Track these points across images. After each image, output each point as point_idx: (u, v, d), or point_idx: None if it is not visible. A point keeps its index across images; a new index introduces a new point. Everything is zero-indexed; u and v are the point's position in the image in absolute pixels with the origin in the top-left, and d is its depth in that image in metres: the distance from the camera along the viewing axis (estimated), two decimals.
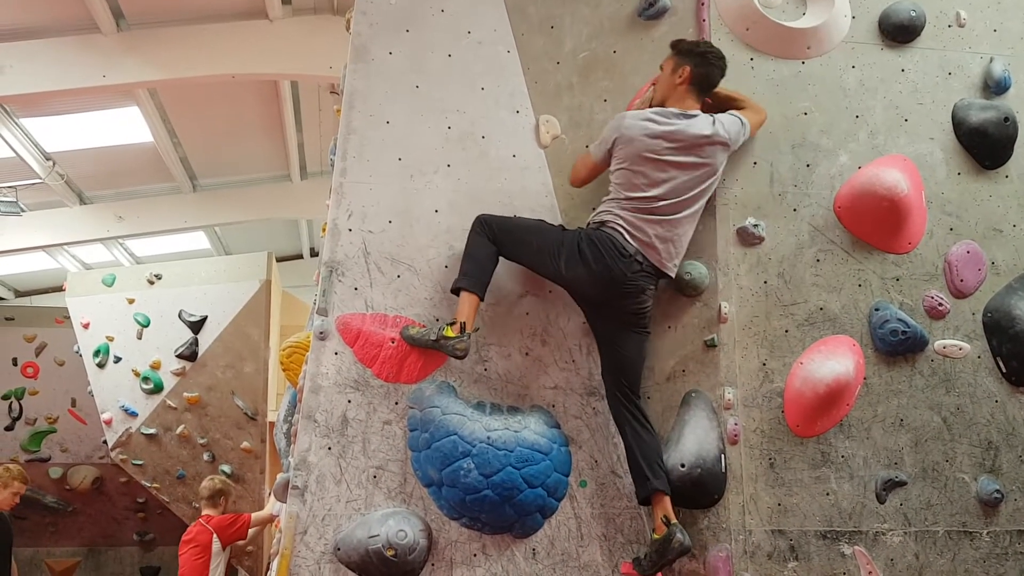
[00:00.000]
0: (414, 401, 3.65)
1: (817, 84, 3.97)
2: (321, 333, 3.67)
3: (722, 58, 3.66)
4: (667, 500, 3.49)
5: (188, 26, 7.36)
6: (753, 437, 3.69)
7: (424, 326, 3.67)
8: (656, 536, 3.46)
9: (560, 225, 3.73)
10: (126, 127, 8.79)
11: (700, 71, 3.61)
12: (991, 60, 4.13)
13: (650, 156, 3.53)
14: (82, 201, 10.68)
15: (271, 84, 8.50)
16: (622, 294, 3.55)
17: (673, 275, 3.64)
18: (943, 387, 3.92)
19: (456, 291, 3.59)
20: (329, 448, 3.59)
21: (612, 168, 3.64)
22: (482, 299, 3.58)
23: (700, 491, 3.60)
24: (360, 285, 3.76)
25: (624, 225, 3.53)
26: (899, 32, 4.04)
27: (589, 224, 3.66)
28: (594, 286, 3.55)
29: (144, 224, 10.93)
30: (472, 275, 3.57)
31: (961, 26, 4.14)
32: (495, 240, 3.62)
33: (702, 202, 3.64)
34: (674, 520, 3.44)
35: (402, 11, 4.04)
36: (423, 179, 3.86)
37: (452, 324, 3.52)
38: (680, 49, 3.66)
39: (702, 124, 3.57)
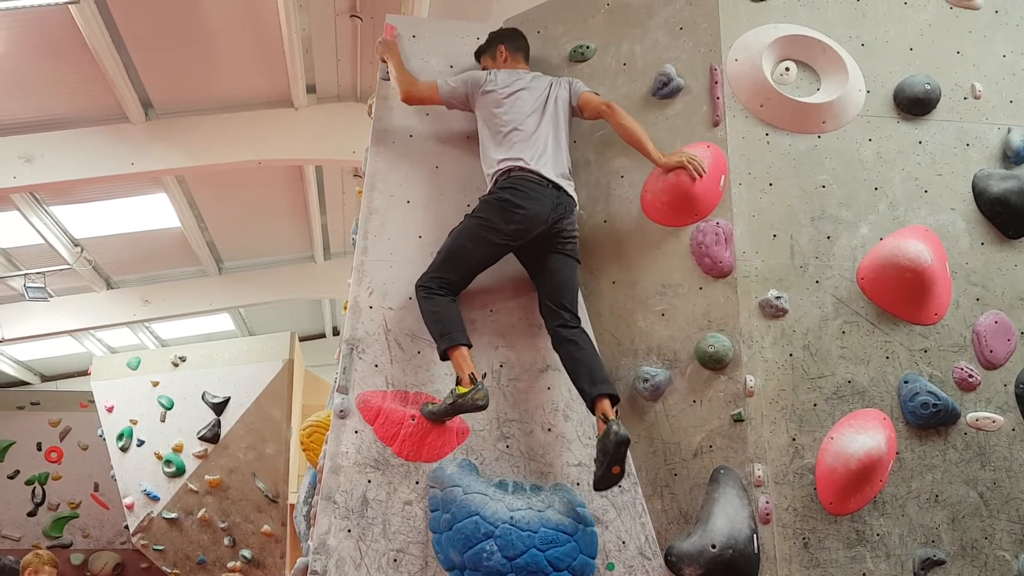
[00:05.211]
0: (435, 480, 3.60)
1: (834, 157, 3.98)
2: (341, 411, 3.65)
3: (514, 28, 4.23)
4: (606, 402, 3.50)
5: (215, 115, 7.60)
6: (786, 516, 3.58)
7: (440, 400, 3.65)
8: (598, 435, 3.46)
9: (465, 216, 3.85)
10: (154, 213, 9.00)
11: (509, 43, 4.12)
12: (1009, 130, 4.14)
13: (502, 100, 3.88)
14: (109, 286, 10.84)
15: (296, 169, 8.69)
16: (556, 220, 3.73)
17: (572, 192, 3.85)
18: (978, 461, 3.81)
19: (444, 356, 3.63)
20: (349, 530, 3.52)
21: (479, 120, 3.91)
22: (469, 346, 3.63)
23: (733, 574, 3.47)
24: (380, 362, 3.75)
25: (521, 165, 3.73)
26: (914, 105, 4.07)
27: (492, 191, 3.79)
28: (533, 222, 3.70)
29: (170, 307, 11.07)
30: (448, 332, 3.63)
31: (977, 98, 4.16)
32: (448, 284, 3.71)
33: (560, 123, 3.90)
34: (611, 416, 3.45)
35: None
36: None
37: (459, 382, 3.54)
38: (481, 49, 4.19)
39: (527, 76, 4.00)
